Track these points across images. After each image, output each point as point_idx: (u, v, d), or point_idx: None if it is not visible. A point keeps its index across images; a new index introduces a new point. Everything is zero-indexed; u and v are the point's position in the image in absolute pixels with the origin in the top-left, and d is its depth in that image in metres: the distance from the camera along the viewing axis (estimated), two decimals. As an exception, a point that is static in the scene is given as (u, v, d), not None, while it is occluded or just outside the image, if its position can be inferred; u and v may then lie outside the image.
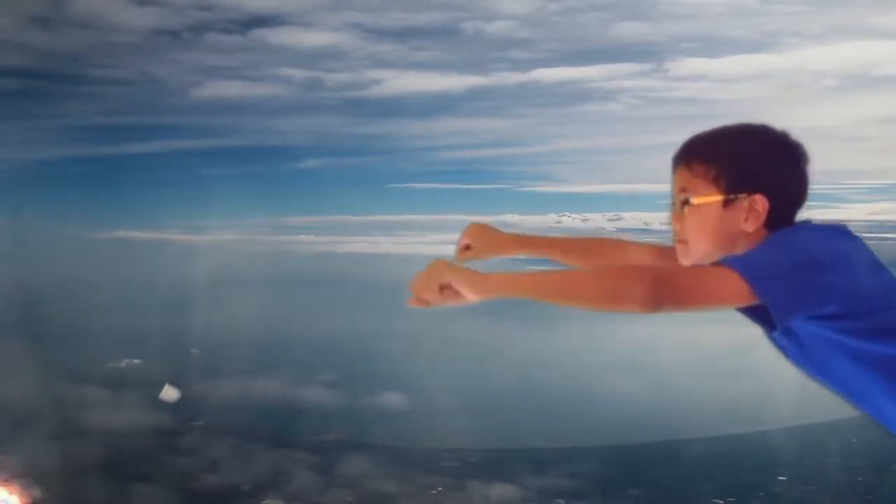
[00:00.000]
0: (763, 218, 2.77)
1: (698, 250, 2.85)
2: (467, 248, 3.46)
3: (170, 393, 53.62)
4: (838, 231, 2.75)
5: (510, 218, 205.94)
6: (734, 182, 2.78)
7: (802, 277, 2.49)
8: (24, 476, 46.46)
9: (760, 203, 2.76)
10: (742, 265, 2.49)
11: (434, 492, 45.99)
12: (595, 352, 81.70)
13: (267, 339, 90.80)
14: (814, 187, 2.85)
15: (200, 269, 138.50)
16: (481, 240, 3.44)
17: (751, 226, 2.76)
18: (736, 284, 2.45)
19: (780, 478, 46.54)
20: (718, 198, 2.79)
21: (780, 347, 2.84)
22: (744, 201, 2.77)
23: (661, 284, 2.43)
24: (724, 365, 69.13)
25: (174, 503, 44.71)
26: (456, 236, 3.73)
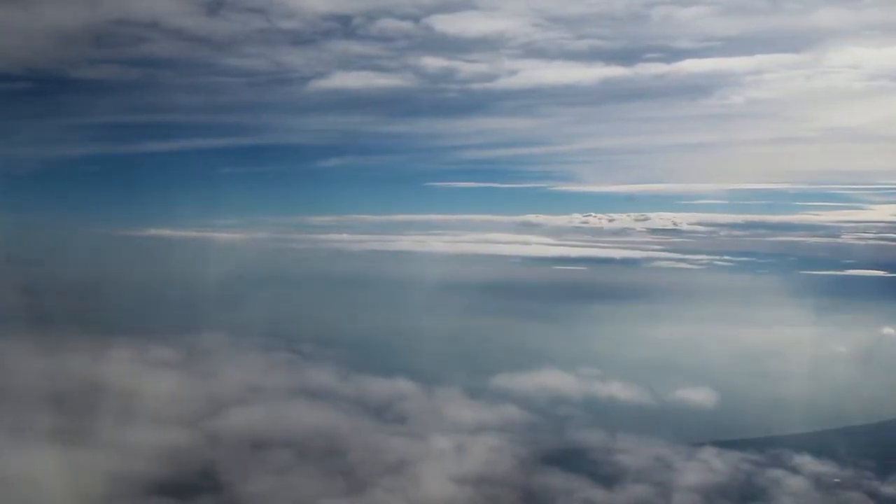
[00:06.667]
0: None
1: None
2: None
3: None
4: None
5: (534, 218, 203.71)
6: None
7: None
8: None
9: None
10: None
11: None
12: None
13: (445, 336, 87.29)
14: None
15: (272, 266, 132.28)
16: None
17: None
18: None
19: None
20: None
21: None
22: None
23: None
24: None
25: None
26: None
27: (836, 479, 44.73)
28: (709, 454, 48.56)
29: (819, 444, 50.00)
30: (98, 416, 47.73)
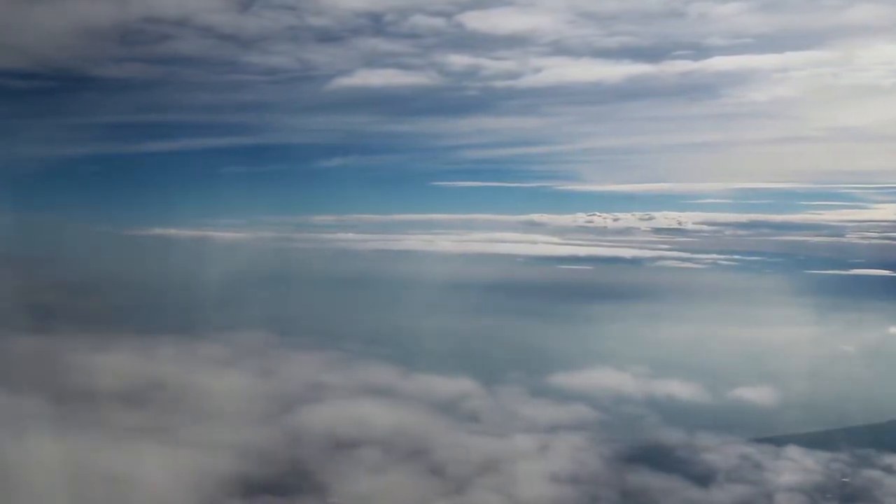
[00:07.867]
0: None
1: None
2: None
3: None
4: None
5: (538, 217, 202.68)
6: None
7: None
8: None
9: None
10: None
11: None
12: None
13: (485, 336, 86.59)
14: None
15: (291, 266, 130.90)
16: None
17: None
18: None
19: None
20: None
21: None
22: None
23: None
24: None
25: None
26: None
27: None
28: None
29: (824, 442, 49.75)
30: (172, 414, 46.70)
